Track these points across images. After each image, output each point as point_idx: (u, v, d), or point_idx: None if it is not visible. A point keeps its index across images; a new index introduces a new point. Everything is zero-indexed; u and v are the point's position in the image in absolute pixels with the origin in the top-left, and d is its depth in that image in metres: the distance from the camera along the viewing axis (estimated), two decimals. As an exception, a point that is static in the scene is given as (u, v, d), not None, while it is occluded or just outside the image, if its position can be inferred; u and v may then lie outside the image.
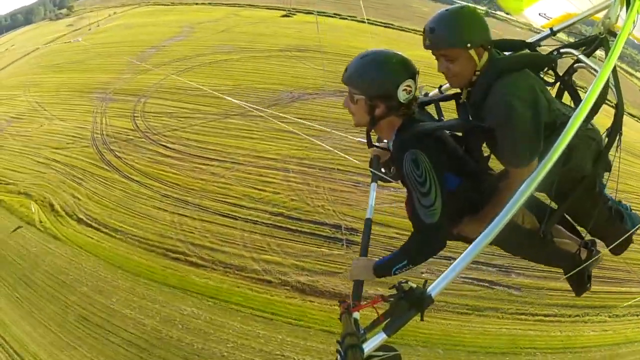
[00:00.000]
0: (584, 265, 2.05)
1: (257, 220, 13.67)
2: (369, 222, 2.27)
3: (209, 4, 43.47)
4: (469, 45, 1.75)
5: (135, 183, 16.04)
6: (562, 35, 2.46)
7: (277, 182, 15.09)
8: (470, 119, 1.89)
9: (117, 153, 18.05)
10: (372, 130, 1.85)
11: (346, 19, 33.27)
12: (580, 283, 2.12)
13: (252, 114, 17.95)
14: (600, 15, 2.23)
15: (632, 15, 1.87)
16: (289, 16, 35.42)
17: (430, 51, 1.83)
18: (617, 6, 2.12)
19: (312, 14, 33.48)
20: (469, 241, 1.93)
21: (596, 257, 2.08)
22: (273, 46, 26.30)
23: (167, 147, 17.71)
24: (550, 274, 11.43)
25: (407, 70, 1.73)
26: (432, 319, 10.56)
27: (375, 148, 2.38)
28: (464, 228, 1.89)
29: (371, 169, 2.49)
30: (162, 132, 18.87)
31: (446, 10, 1.81)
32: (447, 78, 1.88)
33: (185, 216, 14.15)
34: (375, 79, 1.70)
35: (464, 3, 1.84)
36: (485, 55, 1.80)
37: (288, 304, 11.36)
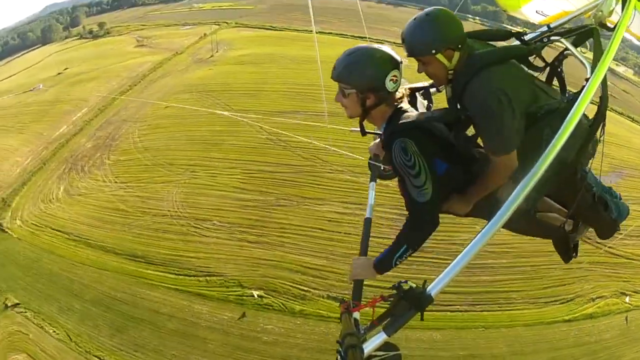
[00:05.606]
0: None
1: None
2: (368, 222, 2.29)
3: (340, 34, 39.45)
4: (433, 51, 1.84)
5: None
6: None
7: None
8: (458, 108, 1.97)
9: None
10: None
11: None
12: (566, 251, 2.26)
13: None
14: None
15: (629, 11, 1.87)
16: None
17: None
18: (612, 0, 2.12)
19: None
20: (457, 215, 2.07)
21: (582, 228, 2.23)
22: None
23: None
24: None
25: (392, 61, 1.84)
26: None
27: (372, 149, 2.50)
28: (452, 206, 2.01)
29: (370, 166, 2.54)
30: None
31: (414, 18, 1.89)
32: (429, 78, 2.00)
33: None
34: (364, 73, 1.81)
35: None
36: (456, 56, 1.88)
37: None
